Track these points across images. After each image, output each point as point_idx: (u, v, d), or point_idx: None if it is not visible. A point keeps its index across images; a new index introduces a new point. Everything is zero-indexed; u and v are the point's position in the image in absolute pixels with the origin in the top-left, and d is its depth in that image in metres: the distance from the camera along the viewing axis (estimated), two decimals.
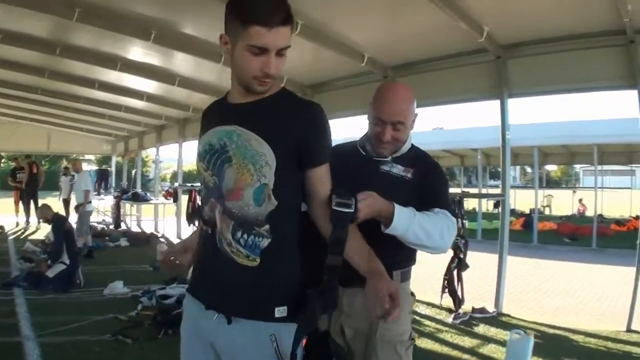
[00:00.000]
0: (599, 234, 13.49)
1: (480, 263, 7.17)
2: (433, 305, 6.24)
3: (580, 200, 22.81)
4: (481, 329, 5.54)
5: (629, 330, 5.41)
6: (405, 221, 1.81)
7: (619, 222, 17.37)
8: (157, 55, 7.22)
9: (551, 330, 5.48)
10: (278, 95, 1.66)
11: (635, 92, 5.30)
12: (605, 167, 24.71)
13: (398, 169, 2.10)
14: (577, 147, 18.49)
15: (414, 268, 2.18)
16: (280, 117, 1.61)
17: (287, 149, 1.59)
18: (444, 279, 6.01)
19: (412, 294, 2.22)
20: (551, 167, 43.35)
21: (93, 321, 5.11)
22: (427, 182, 2.09)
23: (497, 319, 5.89)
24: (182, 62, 7.54)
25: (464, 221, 6.25)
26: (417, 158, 2.17)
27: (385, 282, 1.54)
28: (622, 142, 15.52)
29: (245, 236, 1.59)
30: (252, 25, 1.49)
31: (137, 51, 7.10)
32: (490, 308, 6.12)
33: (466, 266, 5.94)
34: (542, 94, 6.83)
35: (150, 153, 22.00)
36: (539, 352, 4.48)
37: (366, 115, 2.21)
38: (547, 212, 22.94)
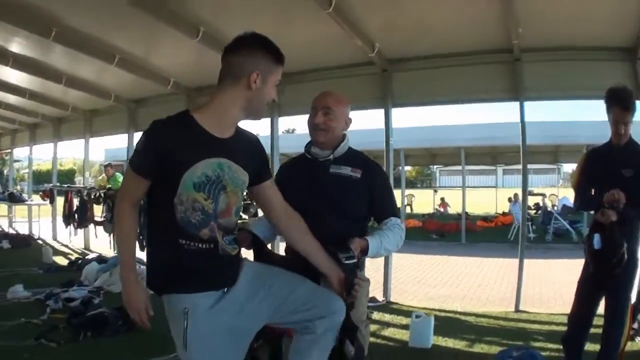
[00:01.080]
0: (466, 230, 14.69)
1: None
2: None
3: (442, 199, 24.55)
4: (376, 315, 6.04)
5: (517, 310, 6.18)
6: (375, 250, 2.37)
7: (485, 218, 18.96)
8: (49, 52, 7.03)
9: (442, 314, 6.06)
10: (240, 132, 2.16)
11: (517, 103, 6.26)
12: (467, 168, 26.79)
13: (346, 170, 2.54)
14: (438, 149, 19.94)
15: None
16: (250, 150, 2.18)
17: (252, 174, 2.17)
18: None
19: (367, 280, 2.62)
20: (406, 168, 45.74)
21: (8, 327, 5.05)
22: (377, 185, 2.57)
23: (388, 307, 6.48)
24: (71, 61, 7.38)
25: None
26: (361, 160, 2.63)
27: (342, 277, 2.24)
28: (487, 145, 16.90)
29: (230, 238, 2.11)
30: (281, 65, 2.11)
31: (31, 47, 6.88)
32: (380, 297, 6.72)
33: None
34: (426, 104, 7.53)
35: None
36: (436, 332, 5.05)
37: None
38: (408, 210, 24.21)
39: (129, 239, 2.11)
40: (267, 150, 7.88)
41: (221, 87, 2.04)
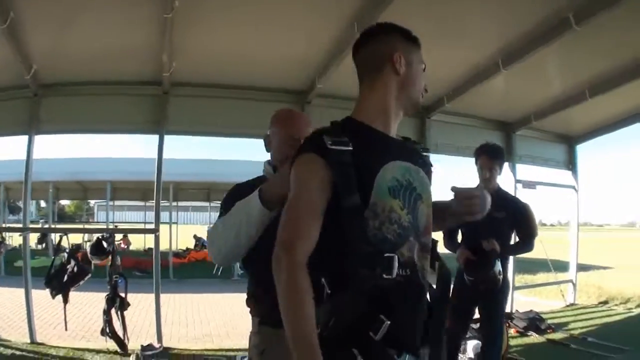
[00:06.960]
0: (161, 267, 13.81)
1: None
2: (101, 352, 5.66)
3: (125, 235, 23.29)
4: None
5: None
6: None
7: (178, 254, 18.28)
8: None
9: (219, 353, 5.93)
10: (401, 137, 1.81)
11: (158, 136, 6.20)
12: (121, 203, 26.57)
13: None
14: (90, 183, 19.11)
15: None
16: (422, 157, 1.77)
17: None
18: (105, 321, 5.36)
19: None
20: (65, 202, 44.60)
21: None
22: None
23: (167, 352, 5.90)
24: None
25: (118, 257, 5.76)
26: None
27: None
28: (136, 180, 16.32)
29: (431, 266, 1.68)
30: (420, 48, 1.76)
31: None
32: (156, 344, 6.05)
33: (128, 304, 5.48)
34: (73, 132, 7.11)
35: None
36: None
37: None
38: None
39: None
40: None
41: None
